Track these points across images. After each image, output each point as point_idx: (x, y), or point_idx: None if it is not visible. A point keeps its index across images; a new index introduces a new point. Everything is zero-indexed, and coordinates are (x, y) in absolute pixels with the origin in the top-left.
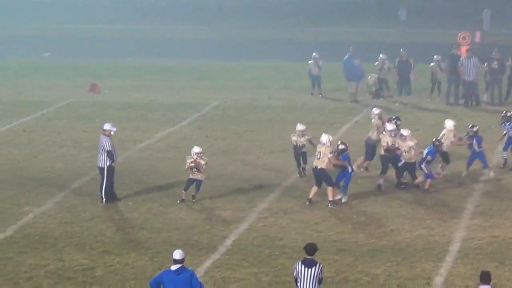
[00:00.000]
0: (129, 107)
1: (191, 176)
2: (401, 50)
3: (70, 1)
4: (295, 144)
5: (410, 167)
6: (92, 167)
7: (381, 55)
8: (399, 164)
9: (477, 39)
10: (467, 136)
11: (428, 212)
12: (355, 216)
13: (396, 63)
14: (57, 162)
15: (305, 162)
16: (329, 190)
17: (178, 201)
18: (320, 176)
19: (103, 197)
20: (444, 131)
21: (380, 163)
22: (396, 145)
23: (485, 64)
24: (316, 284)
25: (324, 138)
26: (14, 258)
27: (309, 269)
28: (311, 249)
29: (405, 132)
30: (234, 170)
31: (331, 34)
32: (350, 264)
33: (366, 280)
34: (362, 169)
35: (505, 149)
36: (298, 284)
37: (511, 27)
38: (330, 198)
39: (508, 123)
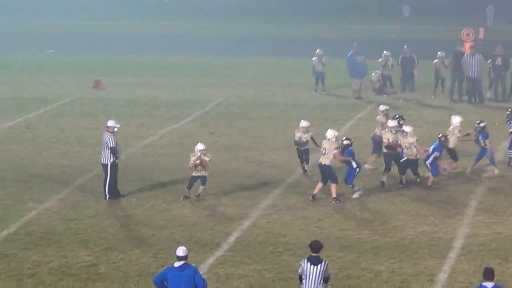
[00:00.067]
0: (132, 104)
1: (194, 173)
2: (405, 46)
3: None
4: (297, 139)
5: (412, 164)
6: (95, 163)
7: (384, 52)
8: (401, 161)
9: (481, 35)
10: (475, 132)
11: (432, 209)
12: (358, 213)
13: (399, 60)
14: (61, 158)
15: (307, 162)
16: (333, 187)
17: (182, 198)
18: (326, 172)
19: (107, 193)
20: (450, 128)
21: (384, 161)
22: (398, 142)
23: (489, 61)
24: (322, 281)
25: (330, 133)
26: (17, 254)
27: (315, 267)
28: (316, 246)
29: (407, 128)
30: (238, 166)
31: (335, 30)
32: (354, 260)
33: (369, 277)
34: (375, 167)
35: (510, 147)
36: (304, 281)
37: None
38: (334, 195)
39: None
